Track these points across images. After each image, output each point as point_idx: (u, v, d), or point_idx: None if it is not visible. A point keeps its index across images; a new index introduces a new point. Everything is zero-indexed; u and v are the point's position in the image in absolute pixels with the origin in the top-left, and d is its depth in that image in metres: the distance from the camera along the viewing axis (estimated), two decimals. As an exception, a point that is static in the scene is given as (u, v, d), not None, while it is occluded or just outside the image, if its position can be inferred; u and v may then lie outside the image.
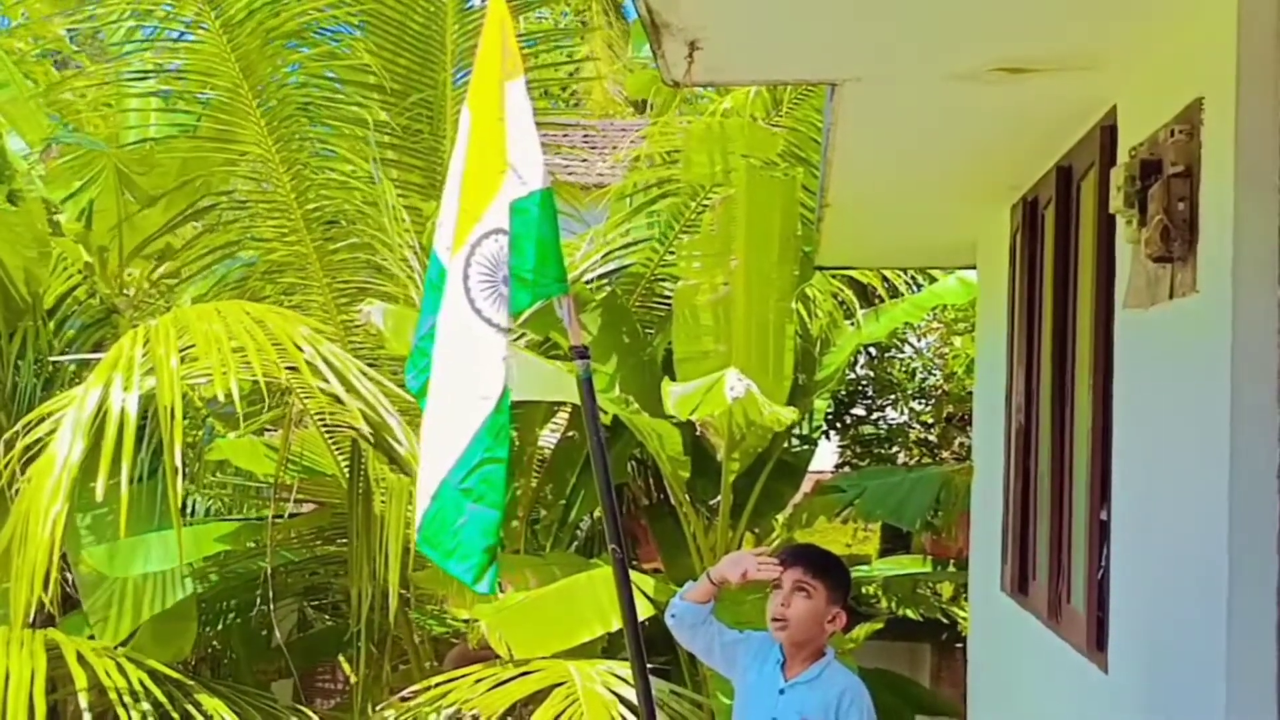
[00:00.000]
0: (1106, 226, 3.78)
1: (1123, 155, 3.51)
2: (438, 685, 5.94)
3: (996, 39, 3.41)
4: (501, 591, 6.36)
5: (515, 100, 3.20)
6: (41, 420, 5.80)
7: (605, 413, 6.92)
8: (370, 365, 6.65)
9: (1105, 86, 3.72)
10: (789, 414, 6.51)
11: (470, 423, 3.14)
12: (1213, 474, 2.78)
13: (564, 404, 7.77)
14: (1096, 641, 3.83)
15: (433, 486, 3.21)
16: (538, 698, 5.79)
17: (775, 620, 3.33)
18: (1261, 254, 2.67)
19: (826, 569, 3.38)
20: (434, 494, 3.19)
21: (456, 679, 5.93)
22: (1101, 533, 3.84)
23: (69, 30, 10.08)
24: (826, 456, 10.78)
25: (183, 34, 7.67)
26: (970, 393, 8.50)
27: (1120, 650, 3.62)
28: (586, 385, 3.33)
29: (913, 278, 9.76)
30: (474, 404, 3.14)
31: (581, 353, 3.33)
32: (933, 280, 8.98)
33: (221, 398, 5.44)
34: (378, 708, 6.43)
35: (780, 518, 8.34)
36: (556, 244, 3.28)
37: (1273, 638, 2.65)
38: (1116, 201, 3.28)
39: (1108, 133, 3.85)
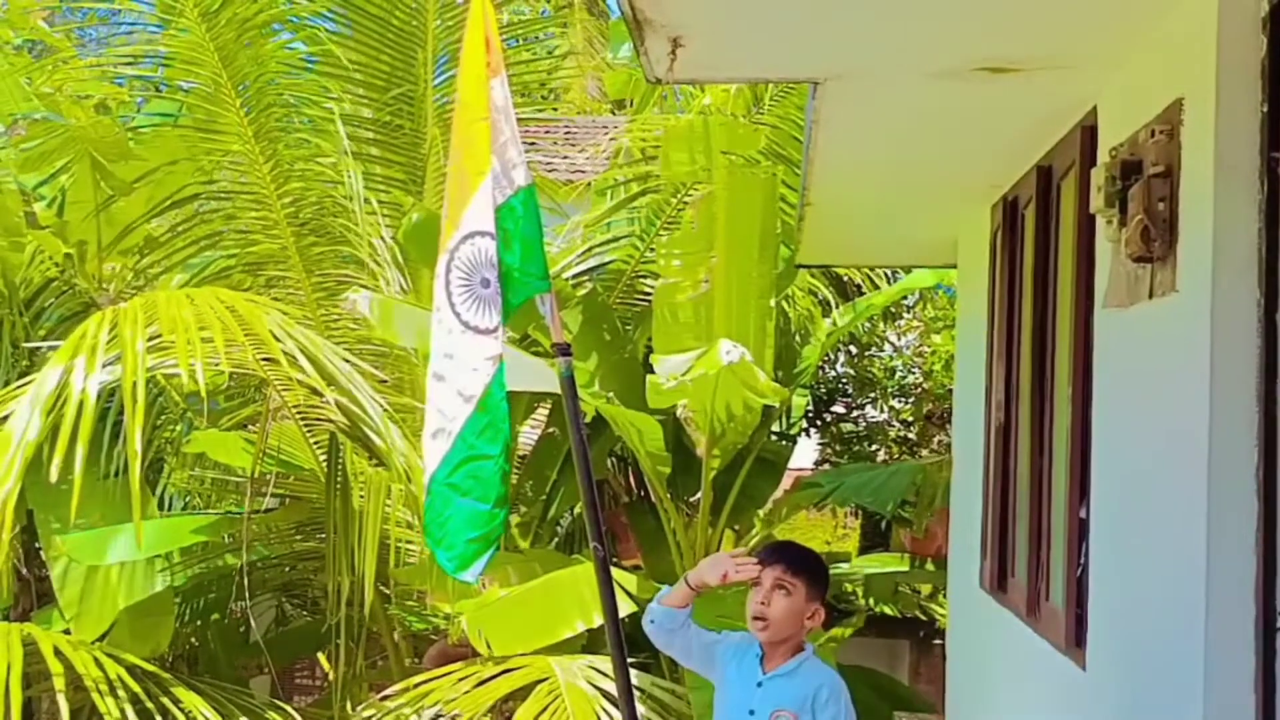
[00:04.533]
0: (1087, 226, 3.79)
1: (1103, 155, 3.52)
2: (419, 685, 5.92)
3: (978, 38, 3.42)
4: (484, 587, 6.35)
5: (498, 97, 3.19)
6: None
7: (585, 406, 6.92)
8: (350, 358, 6.62)
9: (1086, 86, 3.73)
10: (781, 389, 6.55)
11: (456, 422, 3.18)
12: (1192, 473, 2.80)
13: (544, 401, 7.77)
14: (1075, 639, 3.85)
15: (426, 481, 3.27)
16: (520, 694, 5.78)
17: (756, 619, 3.33)
18: (1241, 254, 2.69)
19: (805, 567, 3.39)
20: (427, 488, 3.26)
21: (439, 677, 5.91)
22: (1080, 530, 3.86)
23: (47, 21, 10.01)
24: (806, 454, 10.82)
25: (156, 27, 7.64)
26: (949, 390, 8.54)
27: (1099, 648, 3.64)
28: (569, 383, 3.34)
29: (892, 273, 9.80)
30: (459, 405, 3.18)
31: (564, 350, 3.32)
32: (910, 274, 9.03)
33: (186, 379, 5.37)
34: (359, 708, 6.40)
35: (760, 514, 8.35)
36: (539, 241, 3.28)
37: (1250, 635, 2.66)
38: (1097, 201, 3.29)
39: (1088, 133, 3.86)
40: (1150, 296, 3.10)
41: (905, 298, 10.16)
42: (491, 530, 3.23)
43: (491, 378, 3.16)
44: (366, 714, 6.08)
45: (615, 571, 6.63)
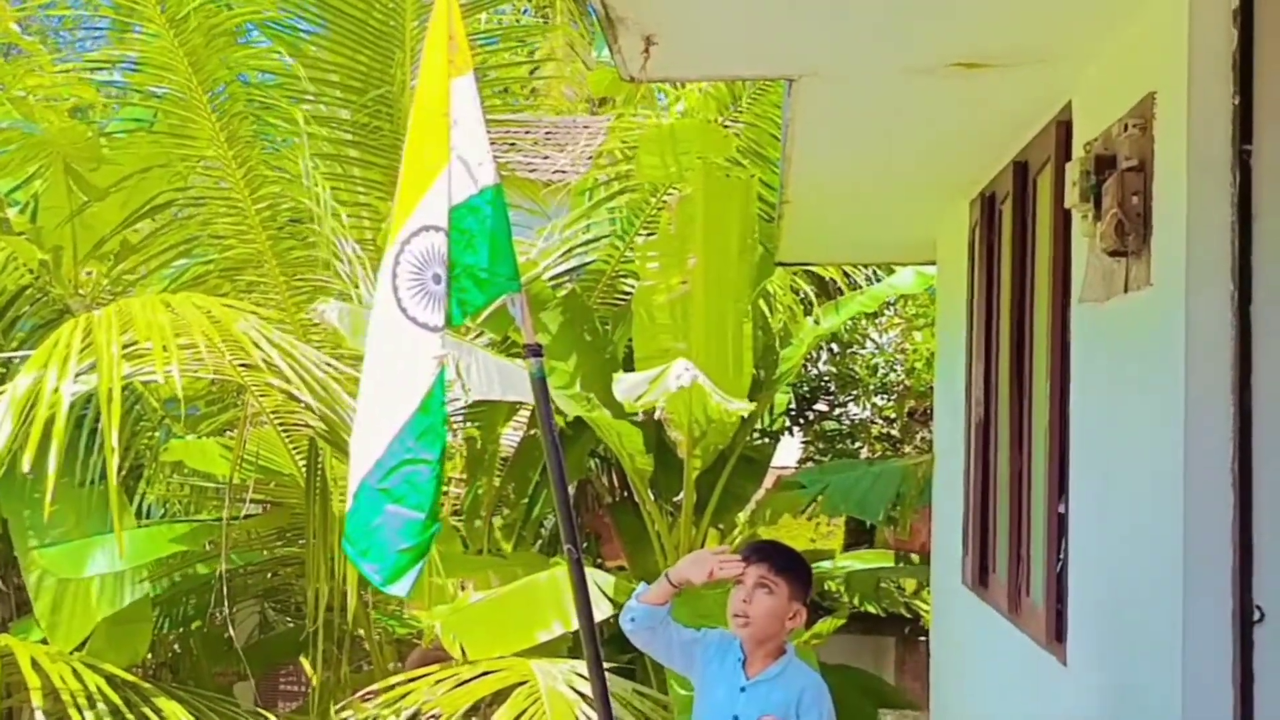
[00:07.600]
0: (1063, 221, 3.79)
1: (1078, 150, 3.52)
2: (398, 685, 5.89)
3: (952, 34, 3.41)
4: (463, 590, 6.33)
5: (463, 96, 3.14)
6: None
7: (565, 414, 6.89)
8: (329, 363, 6.57)
9: (1060, 82, 3.73)
10: (740, 405, 6.49)
11: (394, 423, 3.04)
12: (1168, 466, 2.80)
13: (526, 402, 7.73)
14: (1055, 634, 3.84)
15: (354, 486, 3.11)
16: (501, 697, 5.75)
17: (737, 617, 3.31)
18: (1214, 247, 2.69)
19: (789, 566, 3.36)
20: (355, 493, 3.09)
21: (418, 679, 5.89)
22: (1060, 525, 3.85)
23: (20, 24, 9.95)
24: (789, 452, 10.81)
25: (122, 34, 7.60)
26: (931, 387, 8.53)
27: (1079, 642, 3.63)
28: (540, 384, 3.29)
29: (873, 271, 9.79)
30: (397, 405, 3.04)
31: (535, 351, 3.28)
32: (892, 273, 9.01)
33: (162, 379, 5.30)
34: (337, 709, 6.36)
35: (743, 514, 8.33)
36: (508, 241, 3.22)
37: (1228, 628, 2.66)
38: (1072, 196, 3.29)
39: (1063, 128, 3.86)
40: (1125, 290, 3.10)
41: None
42: (423, 541, 3.04)
43: (435, 379, 3.03)
44: (344, 715, 6.05)
45: (599, 573, 6.62)
